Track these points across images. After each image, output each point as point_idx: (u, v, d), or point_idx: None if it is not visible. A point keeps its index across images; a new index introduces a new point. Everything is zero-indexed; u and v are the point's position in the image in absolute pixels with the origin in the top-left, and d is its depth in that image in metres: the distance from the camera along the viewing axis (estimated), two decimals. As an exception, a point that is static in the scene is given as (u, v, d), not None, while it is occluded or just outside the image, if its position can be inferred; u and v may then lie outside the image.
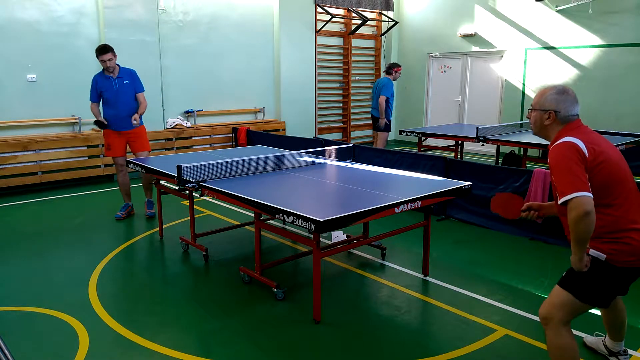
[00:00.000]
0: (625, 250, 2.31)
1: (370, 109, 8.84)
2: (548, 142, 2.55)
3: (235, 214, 6.05)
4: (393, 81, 8.28)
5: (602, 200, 2.31)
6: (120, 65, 5.71)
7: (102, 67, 5.60)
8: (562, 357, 2.43)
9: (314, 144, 7.39)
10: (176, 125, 8.76)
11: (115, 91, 5.61)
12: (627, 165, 2.45)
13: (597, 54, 8.87)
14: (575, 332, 2.86)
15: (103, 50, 5.49)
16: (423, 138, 7.87)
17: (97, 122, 5.71)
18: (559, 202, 2.28)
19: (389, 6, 11.54)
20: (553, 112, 2.45)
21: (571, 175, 2.23)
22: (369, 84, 11.80)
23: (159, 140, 8.46)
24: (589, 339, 3.09)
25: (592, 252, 2.35)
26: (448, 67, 11.31)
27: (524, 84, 9.92)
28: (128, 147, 5.87)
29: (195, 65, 9.08)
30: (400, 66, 8.34)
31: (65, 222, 5.80)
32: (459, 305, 3.68)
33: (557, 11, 9.22)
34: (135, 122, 5.61)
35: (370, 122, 9.07)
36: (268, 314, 3.57)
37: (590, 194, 2.21)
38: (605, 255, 2.32)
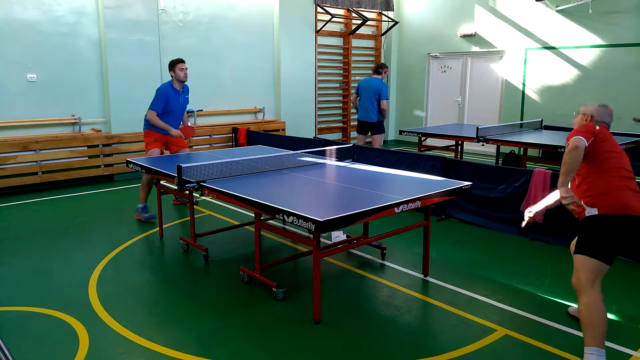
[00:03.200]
0: (612, 203, 2.84)
1: (361, 113, 8.06)
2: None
3: (235, 214, 6.05)
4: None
5: (601, 167, 2.90)
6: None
7: (174, 79, 5.79)
8: (591, 316, 2.79)
9: (314, 144, 7.39)
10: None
11: (179, 105, 5.90)
12: (627, 157, 3.05)
13: (597, 54, 8.87)
14: (560, 301, 3.49)
15: (181, 60, 5.81)
16: (423, 138, 7.87)
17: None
18: (565, 145, 2.94)
19: (389, 6, 11.54)
20: (590, 116, 3.19)
21: (579, 131, 2.93)
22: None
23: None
24: (572, 308, 3.52)
25: (587, 210, 2.90)
26: (448, 67, 11.31)
27: (524, 84, 9.91)
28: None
29: (195, 65, 9.04)
30: (388, 67, 8.40)
31: (65, 222, 5.80)
32: (459, 305, 3.68)
33: (557, 11, 9.21)
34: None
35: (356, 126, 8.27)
36: (268, 314, 3.57)
37: (586, 141, 2.86)
38: (597, 209, 2.87)
